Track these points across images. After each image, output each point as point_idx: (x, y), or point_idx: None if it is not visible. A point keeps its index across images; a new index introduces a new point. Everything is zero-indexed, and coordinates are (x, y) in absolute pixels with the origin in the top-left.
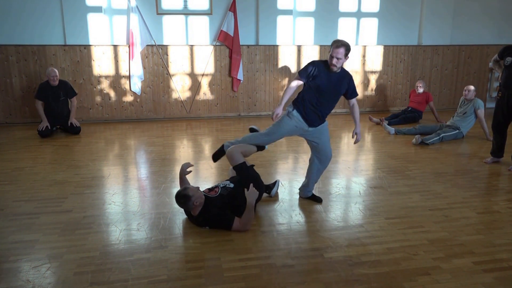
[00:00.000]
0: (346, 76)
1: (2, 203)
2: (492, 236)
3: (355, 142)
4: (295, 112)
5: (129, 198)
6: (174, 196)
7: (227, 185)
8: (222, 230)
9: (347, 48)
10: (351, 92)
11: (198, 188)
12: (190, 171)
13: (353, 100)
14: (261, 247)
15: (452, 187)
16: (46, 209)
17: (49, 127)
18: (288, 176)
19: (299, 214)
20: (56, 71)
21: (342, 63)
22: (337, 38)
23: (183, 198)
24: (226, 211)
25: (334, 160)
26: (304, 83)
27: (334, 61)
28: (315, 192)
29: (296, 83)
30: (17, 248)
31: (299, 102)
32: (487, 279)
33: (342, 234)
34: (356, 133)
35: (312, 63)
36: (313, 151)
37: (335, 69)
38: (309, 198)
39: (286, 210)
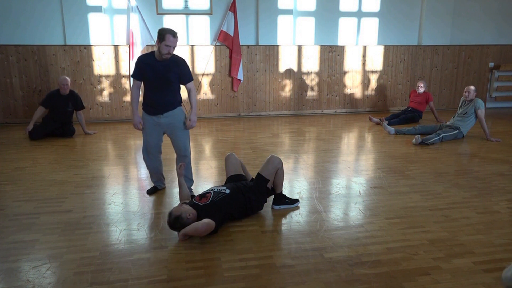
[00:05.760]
0: (176, 62)
1: (2, 203)
2: (492, 236)
3: (188, 128)
4: (143, 113)
5: (129, 198)
6: (169, 227)
7: (222, 191)
8: (222, 230)
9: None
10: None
11: (180, 204)
12: (183, 166)
13: (189, 85)
14: (261, 247)
15: (452, 187)
16: (46, 209)
17: (37, 133)
18: (288, 176)
19: (299, 214)
20: (68, 80)
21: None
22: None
23: (176, 221)
24: (216, 218)
25: (334, 160)
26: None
27: (171, 50)
28: (315, 192)
29: (135, 86)
30: (17, 248)
31: (142, 101)
32: (487, 279)
33: (342, 234)
34: (189, 119)
35: (137, 60)
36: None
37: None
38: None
39: (286, 210)
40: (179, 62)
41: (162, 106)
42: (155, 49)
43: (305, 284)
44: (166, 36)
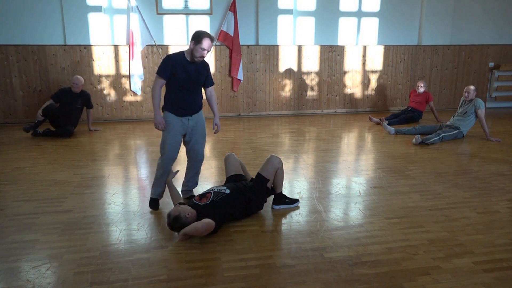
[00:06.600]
0: (204, 66)
1: (2, 203)
2: (492, 236)
3: (215, 133)
4: (166, 113)
5: (129, 198)
6: (169, 228)
7: (222, 191)
8: (222, 230)
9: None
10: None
11: (177, 204)
12: (177, 171)
13: (210, 89)
14: (261, 247)
15: (452, 187)
16: (46, 209)
17: (47, 109)
18: (288, 176)
19: (299, 214)
20: (81, 79)
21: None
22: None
23: (175, 221)
24: (216, 218)
25: (334, 160)
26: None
27: (205, 53)
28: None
29: (159, 85)
30: (17, 248)
31: (166, 101)
32: (487, 279)
33: (342, 234)
34: (216, 124)
35: (167, 59)
36: (186, 151)
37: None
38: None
39: (286, 210)
40: (206, 65)
41: (193, 108)
42: (155, 49)
43: (305, 284)
44: (203, 39)
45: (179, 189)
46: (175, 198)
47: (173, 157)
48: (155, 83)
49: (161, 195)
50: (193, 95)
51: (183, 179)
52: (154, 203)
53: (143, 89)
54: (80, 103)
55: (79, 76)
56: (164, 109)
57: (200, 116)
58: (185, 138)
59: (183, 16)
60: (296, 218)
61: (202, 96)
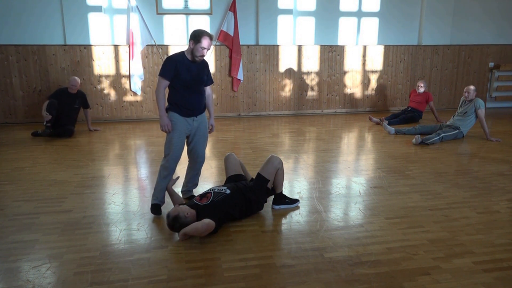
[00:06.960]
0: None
1: (2, 203)
2: (492, 236)
3: (209, 133)
4: (171, 114)
5: (129, 198)
6: (169, 228)
7: (223, 191)
8: (222, 230)
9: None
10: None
11: (177, 205)
12: (177, 178)
13: (209, 89)
14: (261, 247)
15: (452, 187)
16: (46, 209)
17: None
18: (288, 176)
19: (299, 214)
20: (78, 81)
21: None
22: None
23: (175, 221)
24: (216, 218)
25: (334, 160)
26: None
27: (205, 52)
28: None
29: (163, 86)
30: (17, 248)
31: (171, 102)
32: (487, 279)
33: (342, 234)
34: (211, 125)
35: (170, 60)
36: (187, 152)
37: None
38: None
39: (286, 210)
40: (206, 64)
41: (198, 108)
42: (155, 49)
43: (305, 284)
44: (202, 38)
45: (179, 189)
46: (175, 203)
47: (178, 157)
48: (158, 84)
49: (163, 200)
50: (197, 95)
51: (183, 180)
52: (156, 209)
53: (143, 89)
54: (78, 103)
55: (76, 77)
56: (168, 109)
57: (203, 117)
58: (188, 139)
59: (183, 16)
60: (296, 218)
61: (205, 97)
